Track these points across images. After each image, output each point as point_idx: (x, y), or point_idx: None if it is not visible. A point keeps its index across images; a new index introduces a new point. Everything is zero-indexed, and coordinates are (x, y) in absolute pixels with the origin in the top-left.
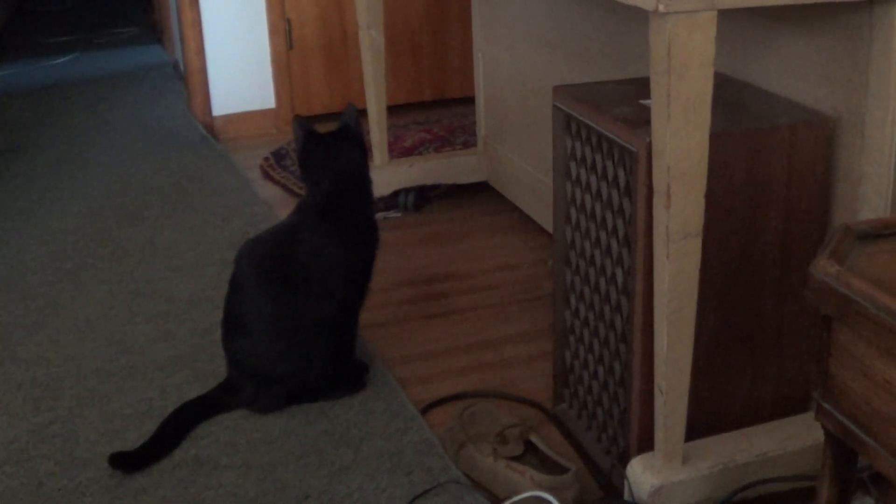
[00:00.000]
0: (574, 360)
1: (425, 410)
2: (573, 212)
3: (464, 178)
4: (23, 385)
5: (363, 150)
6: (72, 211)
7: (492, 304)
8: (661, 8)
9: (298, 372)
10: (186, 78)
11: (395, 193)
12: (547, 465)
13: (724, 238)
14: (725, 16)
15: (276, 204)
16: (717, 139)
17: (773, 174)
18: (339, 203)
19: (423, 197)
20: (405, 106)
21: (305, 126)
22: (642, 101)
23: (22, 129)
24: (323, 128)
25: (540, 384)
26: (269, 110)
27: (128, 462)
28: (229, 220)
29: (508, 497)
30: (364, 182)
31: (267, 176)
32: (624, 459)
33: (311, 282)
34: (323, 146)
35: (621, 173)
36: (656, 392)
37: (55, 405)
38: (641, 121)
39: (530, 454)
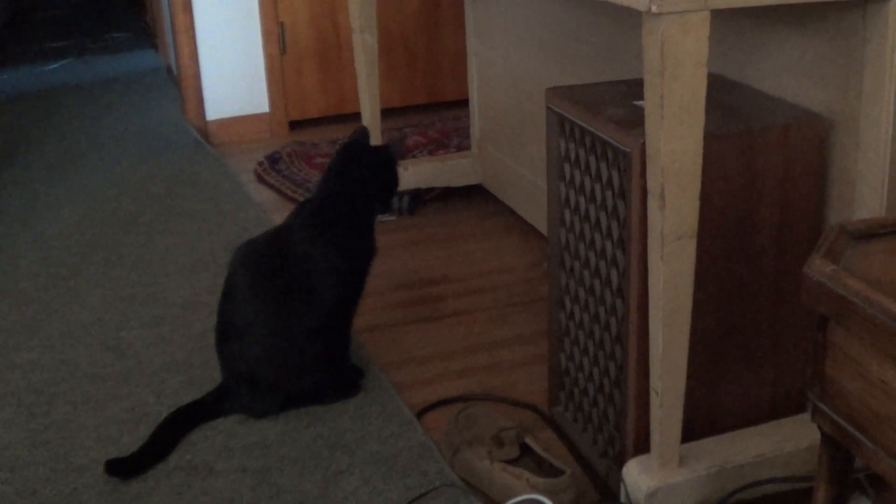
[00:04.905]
0: (569, 362)
1: (420, 414)
2: (567, 214)
3: (458, 181)
4: (17, 391)
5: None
6: (65, 216)
7: (487, 308)
8: (654, 9)
9: (292, 376)
10: (180, 82)
11: None
12: (543, 468)
13: (719, 239)
14: (719, 16)
15: (270, 208)
16: (712, 140)
17: (767, 175)
18: (336, 209)
19: (417, 200)
20: (399, 109)
21: (358, 133)
22: (636, 103)
23: (15, 135)
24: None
25: (535, 387)
26: (263, 114)
27: (123, 468)
28: (223, 224)
29: (504, 500)
30: (366, 198)
31: (261, 180)
32: (620, 462)
33: (303, 286)
34: (347, 154)
35: (615, 175)
36: (652, 394)
37: (50, 411)
38: (635, 122)
39: (526, 457)
